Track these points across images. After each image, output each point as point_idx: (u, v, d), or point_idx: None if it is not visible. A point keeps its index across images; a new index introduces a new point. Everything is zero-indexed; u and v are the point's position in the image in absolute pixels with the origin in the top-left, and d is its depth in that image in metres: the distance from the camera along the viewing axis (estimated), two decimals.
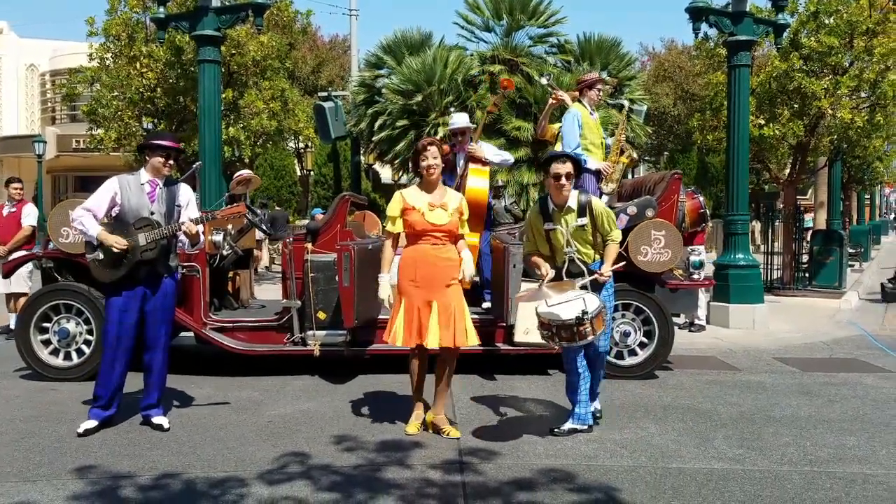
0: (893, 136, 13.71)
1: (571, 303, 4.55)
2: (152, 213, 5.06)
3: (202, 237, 5.33)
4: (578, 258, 4.92)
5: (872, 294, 12.89)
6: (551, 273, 4.92)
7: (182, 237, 5.15)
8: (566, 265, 4.93)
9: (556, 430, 4.99)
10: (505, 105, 13.32)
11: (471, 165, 6.93)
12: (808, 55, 11.90)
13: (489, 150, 7.23)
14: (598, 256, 5.01)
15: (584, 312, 4.48)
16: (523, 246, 5.29)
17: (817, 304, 11.64)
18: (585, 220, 4.92)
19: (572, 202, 4.94)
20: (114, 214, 5.07)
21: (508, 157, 7.66)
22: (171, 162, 5.16)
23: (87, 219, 4.98)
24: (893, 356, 7.85)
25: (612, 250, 4.99)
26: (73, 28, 64.73)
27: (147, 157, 5.15)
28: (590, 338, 4.56)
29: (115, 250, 4.91)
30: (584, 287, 4.77)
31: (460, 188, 6.80)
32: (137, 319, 5.09)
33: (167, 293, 5.20)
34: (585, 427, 5.01)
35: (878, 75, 11.77)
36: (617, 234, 5.04)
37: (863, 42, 11.79)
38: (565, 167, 4.88)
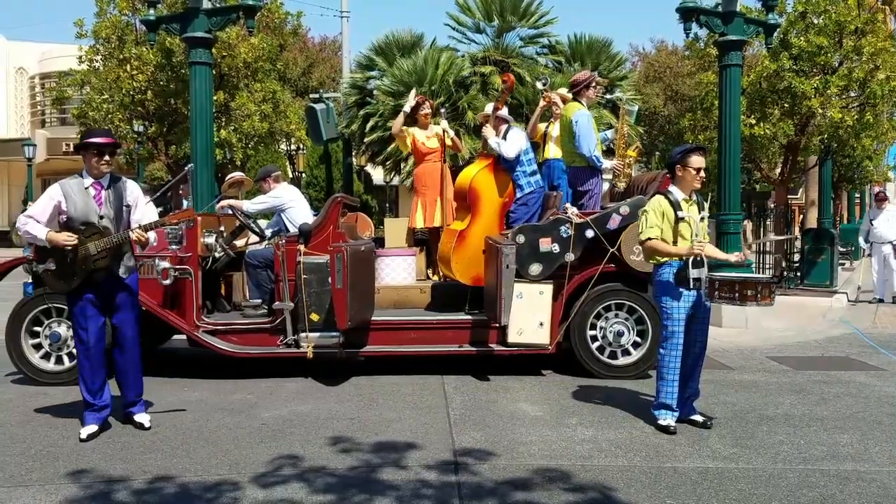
0: (883, 135, 13.73)
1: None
2: (101, 218, 4.92)
3: (152, 240, 5.17)
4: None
5: (864, 292, 12.93)
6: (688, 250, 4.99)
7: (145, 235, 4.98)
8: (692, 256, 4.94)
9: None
10: None
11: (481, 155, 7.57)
12: (798, 55, 11.95)
13: (509, 139, 7.26)
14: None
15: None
16: (641, 232, 5.17)
17: (809, 303, 11.68)
18: (706, 213, 5.12)
19: (694, 196, 5.14)
20: (61, 222, 4.93)
21: (508, 150, 7.13)
22: (108, 158, 4.93)
23: (31, 225, 4.86)
24: (885, 354, 7.88)
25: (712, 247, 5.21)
26: (62, 30, 64.45)
27: (83, 159, 4.97)
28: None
29: (68, 247, 4.79)
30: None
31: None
32: (104, 321, 5.07)
33: (129, 291, 5.12)
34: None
35: (867, 74, 11.84)
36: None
37: (851, 41, 11.85)
38: (703, 160, 5.05)
